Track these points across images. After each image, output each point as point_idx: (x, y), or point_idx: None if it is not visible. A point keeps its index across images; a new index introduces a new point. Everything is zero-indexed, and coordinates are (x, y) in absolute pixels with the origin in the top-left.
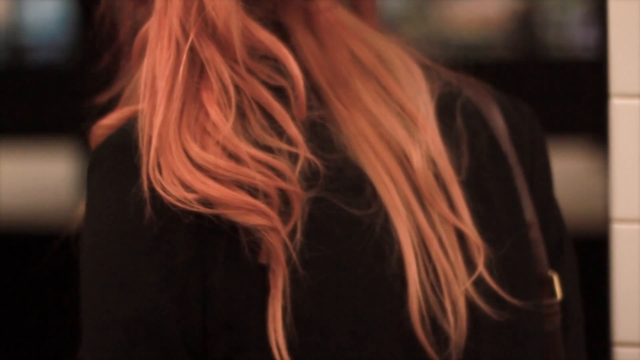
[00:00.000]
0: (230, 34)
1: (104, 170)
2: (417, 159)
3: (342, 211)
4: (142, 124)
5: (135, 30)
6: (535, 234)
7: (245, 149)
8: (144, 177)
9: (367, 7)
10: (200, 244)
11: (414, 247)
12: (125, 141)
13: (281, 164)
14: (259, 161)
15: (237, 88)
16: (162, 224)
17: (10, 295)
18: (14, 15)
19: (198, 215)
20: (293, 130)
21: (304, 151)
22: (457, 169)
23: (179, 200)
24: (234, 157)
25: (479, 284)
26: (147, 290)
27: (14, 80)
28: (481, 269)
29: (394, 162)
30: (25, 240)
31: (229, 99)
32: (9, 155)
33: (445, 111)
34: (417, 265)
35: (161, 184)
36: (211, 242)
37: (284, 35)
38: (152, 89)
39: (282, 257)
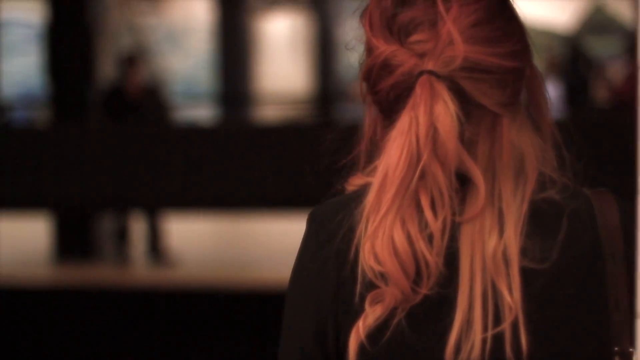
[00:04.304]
0: (451, 157)
1: (313, 227)
2: (490, 248)
3: (436, 292)
4: (366, 211)
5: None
6: (620, 316)
7: (422, 246)
8: (355, 240)
9: (542, 118)
10: (339, 288)
11: (463, 314)
12: (333, 213)
13: (432, 260)
14: (419, 253)
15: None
16: (338, 277)
17: None
18: None
19: (354, 270)
20: (444, 235)
21: (435, 256)
22: (542, 259)
23: (370, 268)
24: (411, 244)
25: (502, 341)
26: (317, 306)
27: None
28: (505, 326)
29: (479, 249)
30: None
31: (443, 203)
32: None
33: (542, 213)
34: (460, 328)
35: (363, 252)
36: (346, 288)
37: (473, 148)
38: (382, 186)
39: (388, 304)
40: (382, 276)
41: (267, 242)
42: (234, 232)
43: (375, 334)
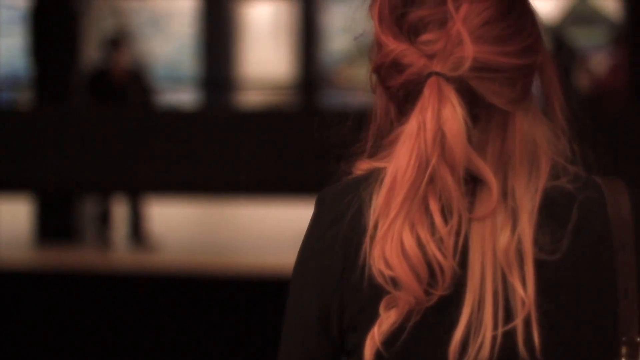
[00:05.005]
0: (459, 161)
1: (322, 208)
2: (502, 243)
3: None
4: (376, 214)
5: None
6: (628, 305)
7: (433, 249)
8: (364, 227)
9: (554, 107)
10: (343, 281)
11: (471, 311)
12: (341, 195)
13: (446, 262)
14: (431, 256)
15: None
16: (345, 257)
17: None
18: None
19: (364, 268)
20: (458, 237)
21: (448, 258)
22: (553, 250)
23: (379, 272)
24: (422, 248)
25: (514, 336)
26: (320, 296)
27: None
28: (518, 322)
29: (490, 246)
30: None
31: (452, 207)
32: None
33: (554, 203)
34: (466, 326)
35: (373, 256)
36: (350, 286)
37: (484, 147)
38: (391, 190)
39: (402, 309)
40: (393, 281)
41: (249, 227)
42: (215, 216)
43: (390, 338)
